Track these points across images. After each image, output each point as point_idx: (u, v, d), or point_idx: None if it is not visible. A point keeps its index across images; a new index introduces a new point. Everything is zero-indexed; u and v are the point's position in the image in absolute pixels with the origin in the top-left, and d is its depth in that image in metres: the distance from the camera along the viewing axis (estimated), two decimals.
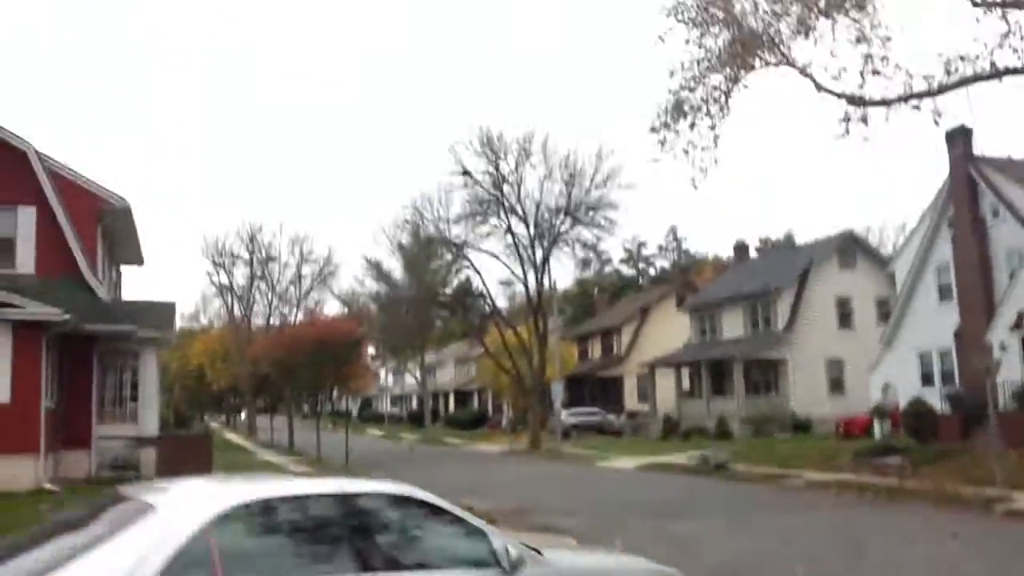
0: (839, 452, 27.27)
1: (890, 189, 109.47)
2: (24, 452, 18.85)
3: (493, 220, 47.06)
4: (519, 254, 47.73)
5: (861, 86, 20.30)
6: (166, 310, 26.42)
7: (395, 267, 54.11)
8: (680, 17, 21.03)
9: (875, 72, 20.08)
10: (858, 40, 20.33)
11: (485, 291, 52.64)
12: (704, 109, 21.19)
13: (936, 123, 19.76)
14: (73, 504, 16.24)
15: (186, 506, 4.89)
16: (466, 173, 45.50)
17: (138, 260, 31.73)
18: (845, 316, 44.27)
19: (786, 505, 19.14)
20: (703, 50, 21.16)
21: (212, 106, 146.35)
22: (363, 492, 5.44)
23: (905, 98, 20.01)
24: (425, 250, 49.72)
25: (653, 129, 21.62)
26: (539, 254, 47.41)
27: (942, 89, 19.69)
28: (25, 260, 22.75)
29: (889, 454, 24.42)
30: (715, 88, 21.20)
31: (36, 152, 22.93)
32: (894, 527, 15.47)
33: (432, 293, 51.05)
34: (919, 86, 19.74)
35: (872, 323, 42.33)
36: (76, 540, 4.82)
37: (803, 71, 21.10)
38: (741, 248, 57.64)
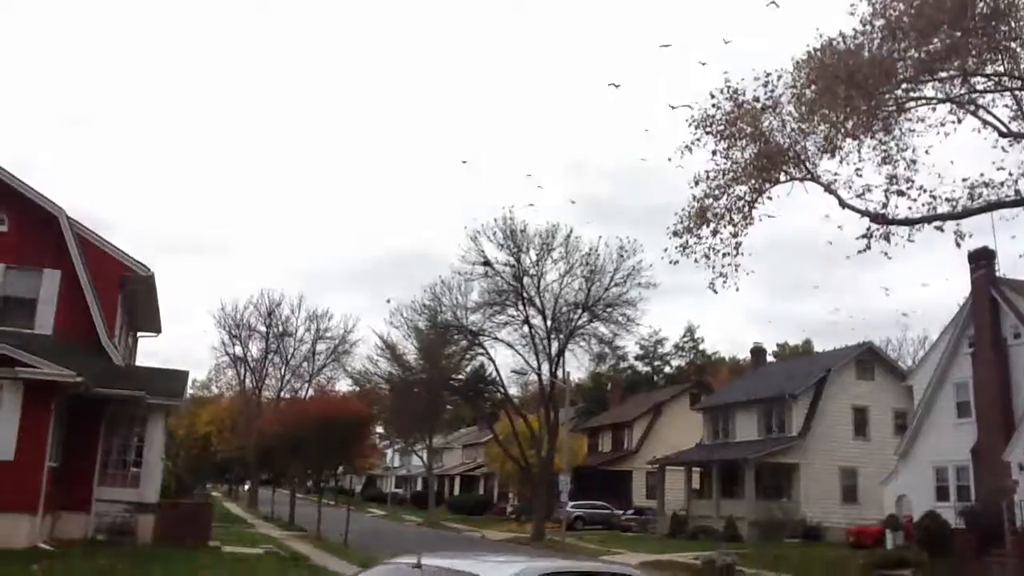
0: (850, 561, 26.66)
1: (912, 304, 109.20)
2: (22, 510, 18.70)
3: (511, 310, 47.09)
4: (535, 345, 47.63)
5: (884, 205, 20.53)
6: (178, 378, 26.47)
7: (409, 349, 54.02)
8: (708, 129, 21.42)
9: (899, 193, 20.34)
10: (883, 161, 20.64)
11: (498, 379, 52.40)
12: (727, 218, 21.37)
13: (958, 245, 19.95)
14: (67, 565, 16.05)
15: (506, 570, 6.37)
16: (487, 263, 45.78)
17: (156, 328, 31.95)
18: (861, 425, 43.77)
19: None
20: (729, 161, 21.46)
21: (240, 173, 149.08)
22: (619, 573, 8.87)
23: (928, 219, 20.19)
24: (441, 335, 49.69)
25: (676, 233, 21.81)
26: (555, 346, 47.29)
27: (966, 213, 19.89)
28: (44, 321, 22.97)
29: (901, 567, 23.85)
30: (739, 198, 21.42)
31: (67, 217, 23.34)
32: None
33: (445, 378, 50.81)
34: (942, 208, 19.96)
35: (888, 434, 41.82)
36: None
37: (828, 188, 21.35)
38: (758, 352, 57.41)
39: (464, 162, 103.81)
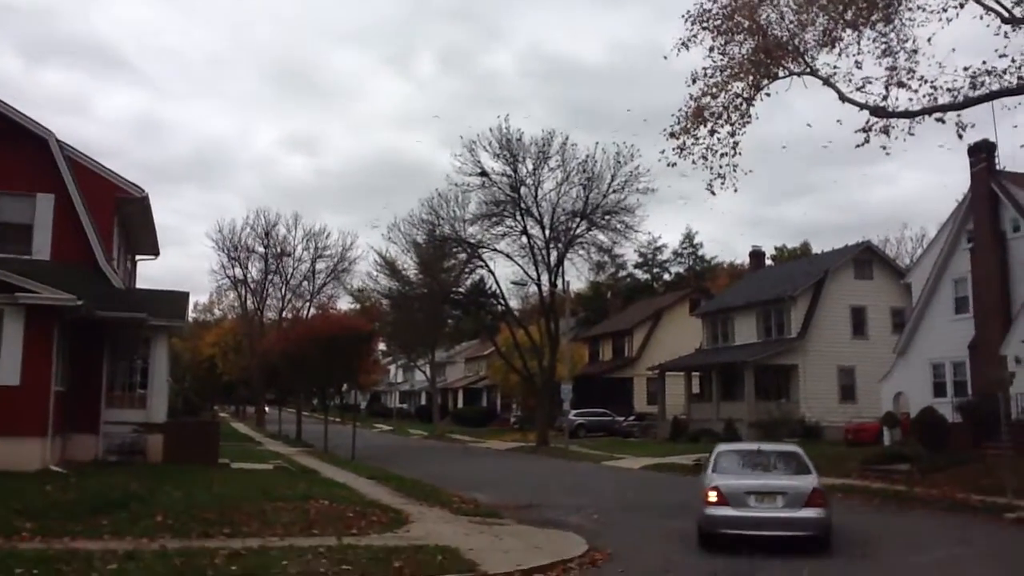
0: (848, 458, 27.12)
1: (910, 200, 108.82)
2: (32, 434, 18.95)
3: (509, 221, 47.03)
4: (534, 255, 47.69)
5: (885, 98, 20.20)
6: (179, 299, 26.48)
7: (409, 265, 54.05)
8: (705, 24, 20.97)
9: (900, 84, 19.98)
10: (884, 53, 20.24)
11: (498, 291, 52.61)
12: (725, 116, 21.10)
13: (960, 136, 19.69)
14: (80, 484, 16.36)
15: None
16: (483, 174, 45.45)
17: (153, 251, 31.86)
18: (859, 325, 44.05)
19: None
20: (726, 58, 21.09)
21: (239, 81, 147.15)
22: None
23: (929, 111, 19.89)
24: (439, 249, 49.64)
25: (672, 134, 21.52)
26: (554, 256, 47.37)
27: (967, 103, 19.57)
28: (41, 246, 22.85)
29: (898, 461, 24.30)
30: (737, 95, 21.10)
31: (57, 140, 23.05)
32: (901, 531, 15.37)
33: (445, 291, 51.01)
34: (943, 99, 19.65)
35: (886, 333, 42.09)
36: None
37: (827, 81, 21.01)
38: (757, 255, 57.47)
39: None
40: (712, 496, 13.47)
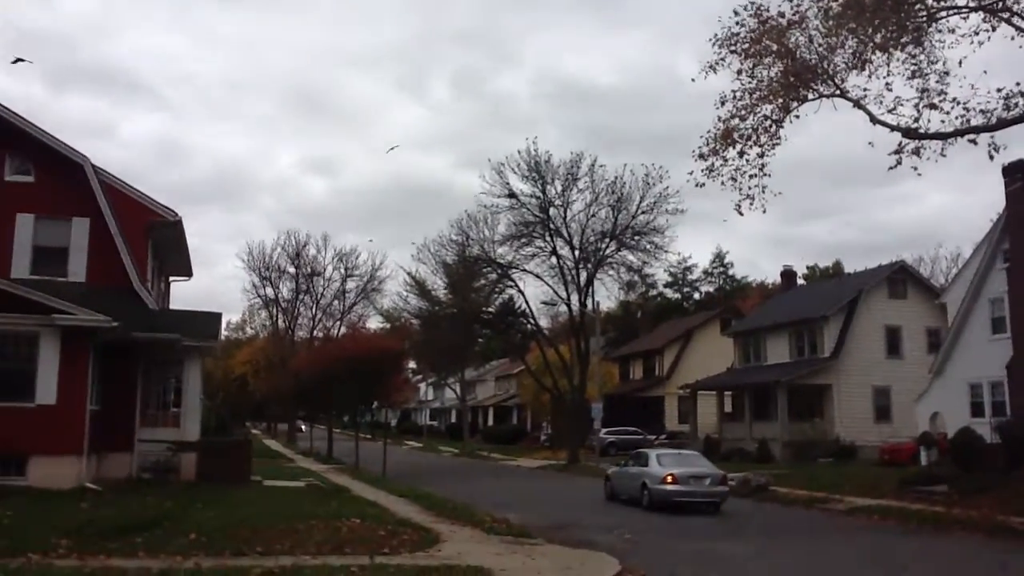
0: (883, 479, 26.75)
1: (938, 220, 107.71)
2: (68, 452, 19.18)
3: (538, 242, 47.06)
4: (563, 276, 47.66)
5: (916, 119, 20.08)
6: (211, 320, 26.76)
7: (438, 285, 54.23)
8: (733, 48, 20.95)
9: (932, 106, 19.86)
10: (914, 75, 20.14)
11: (528, 310, 52.59)
12: (754, 138, 21.07)
13: (991, 157, 19.48)
14: (115, 503, 16.52)
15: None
16: (512, 195, 45.60)
17: (186, 272, 32.25)
18: (894, 345, 43.55)
19: (827, 529, 18.78)
20: (755, 80, 21.07)
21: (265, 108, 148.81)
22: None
23: (962, 132, 19.73)
24: (469, 269, 49.77)
25: (701, 156, 21.55)
26: (583, 276, 47.30)
27: (1000, 124, 19.38)
28: (77, 269, 23.21)
29: (935, 482, 23.88)
30: (766, 117, 21.09)
31: (92, 165, 23.43)
32: (938, 555, 15.10)
33: (475, 311, 51.04)
34: (976, 120, 19.47)
35: (921, 352, 41.59)
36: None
37: (857, 103, 20.91)
38: (788, 275, 57.03)
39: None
40: (669, 479, 22.30)
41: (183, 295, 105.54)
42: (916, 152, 20.12)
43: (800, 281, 61.97)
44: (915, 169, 20.07)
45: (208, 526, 14.06)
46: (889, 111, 20.49)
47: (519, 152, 45.50)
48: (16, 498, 16.48)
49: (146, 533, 13.15)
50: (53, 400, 19.39)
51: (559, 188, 45.49)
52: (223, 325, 36.38)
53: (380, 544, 13.47)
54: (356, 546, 13.13)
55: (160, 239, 26.44)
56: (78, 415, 19.57)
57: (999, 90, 19.03)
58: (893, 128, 20.43)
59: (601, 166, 46.24)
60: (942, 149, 20.10)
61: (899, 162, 20.13)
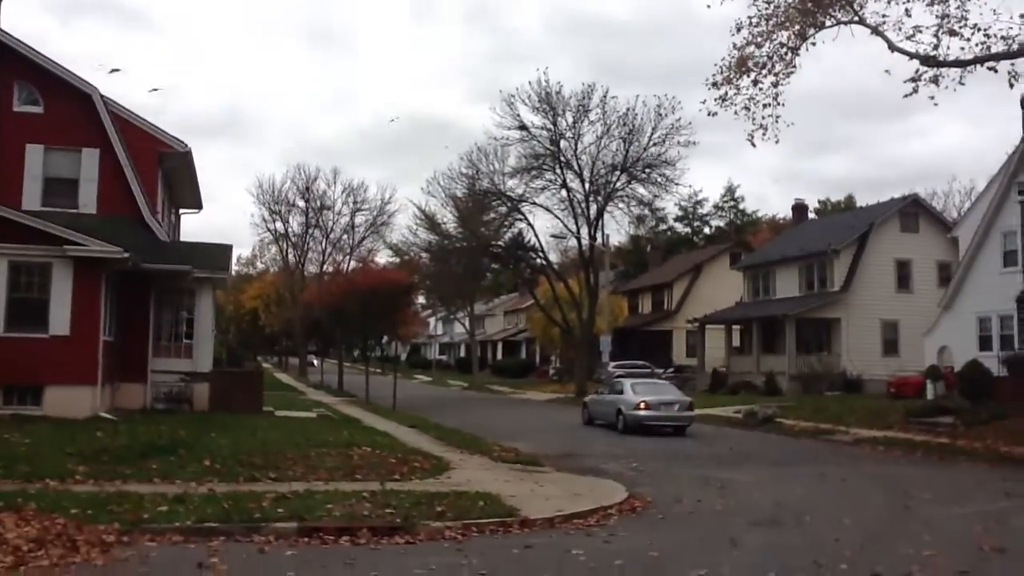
0: (890, 410, 26.95)
1: (950, 153, 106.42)
2: (83, 382, 19.44)
3: (548, 175, 46.78)
4: (573, 209, 47.46)
5: (935, 47, 19.71)
6: (222, 252, 26.83)
7: (448, 218, 54.14)
8: None
9: (952, 32, 19.46)
10: (932, 1, 19.72)
11: (537, 244, 52.55)
12: (768, 66, 20.81)
13: (1011, 85, 19.20)
14: (129, 431, 16.81)
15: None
16: (523, 127, 45.20)
17: (196, 204, 32.28)
18: (904, 279, 43.45)
19: (833, 458, 18.98)
20: (771, 5, 20.73)
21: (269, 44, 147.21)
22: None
23: (981, 60, 19.37)
24: (479, 203, 49.61)
25: (715, 84, 21.33)
26: (593, 210, 47.08)
27: (1022, 51, 19.02)
28: (87, 200, 23.22)
29: (942, 414, 24.07)
30: (782, 45, 20.80)
31: (101, 96, 23.28)
32: (942, 482, 15.26)
33: (484, 245, 51.01)
34: (997, 47, 19.12)
35: (932, 287, 41.47)
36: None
37: (875, 30, 20.54)
38: (800, 208, 56.65)
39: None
40: (642, 405, 24.58)
41: (193, 229, 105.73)
42: (934, 80, 19.82)
43: (812, 215, 61.59)
44: (932, 99, 19.81)
45: (222, 453, 14.31)
46: (907, 38, 20.15)
47: (530, 84, 45.31)
48: (33, 426, 16.77)
49: (161, 459, 13.41)
50: (67, 331, 19.59)
51: (570, 120, 45.09)
52: (234, 259, 36.56)
53: (391, 471, 13.69)
54: (367, 472, 13.36)
55: (170, 170, 26.42)
56: (92, 345, 19.77)
57: (1022, 15, 18.67)
58: (911, 56, 20.09)
59: (613, 97, 46.03)
60: (960, 77, 19.80)
61: (915, 90, 19.85)
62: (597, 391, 30.01)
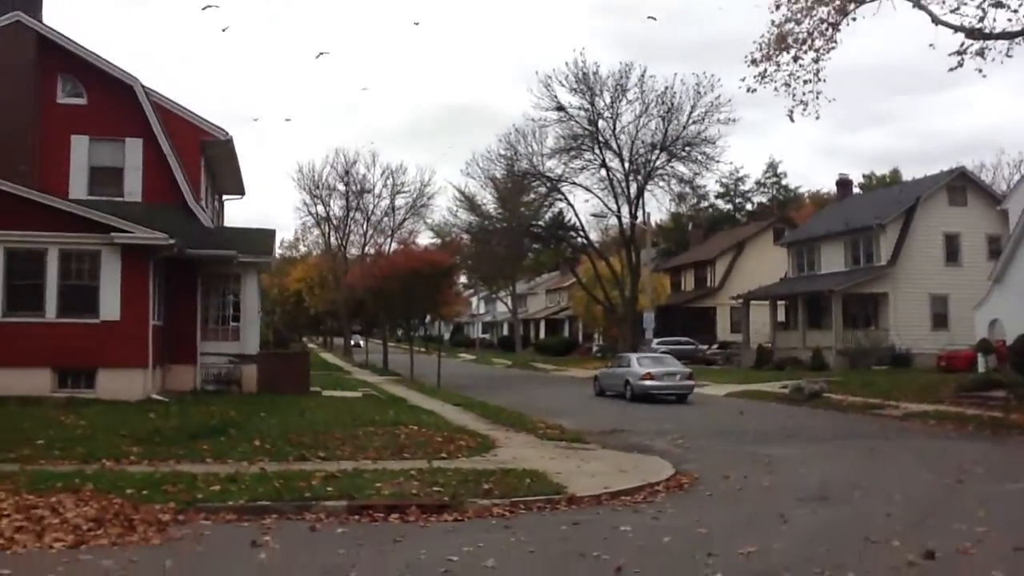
0: (940, 385, 26.57)
1: (1007, 127, 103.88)
2: (134, 365, 19.82)
3: (587, 155, 46.54)
4: (613, 188, 47.23)
5: (981, 19, 19.30)
6: (266, 236, 27.20)
7: (487, 199, 54.18)
8: None
9: (997, 4, 19.05)
10: None
11: (578, 223, 52.43)
12: (809, 42, 20.57)
13: None
14: (181, 411, 17.13)
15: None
16: (561, 108, 45.01)
17: (239, 191, 32.67)
18: (952, 252, 42.71)
19: (882, 434, 18.74)
20: None
21: (304, 33, 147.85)
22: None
23: None
24: (518, 183, 49.58)
25: (754, 62, 21.16)
26: (633, 188, 46.81)
27: None
28: (133, 189, 23.65)
29: (993, 388, 23.65)
30: (822, 20, 20.54)
31: (142, 86, 23.62)
32: (995, 457, 15.02)
33: (525, 225, 50.99)
34: None
35: (981, 260, 40.67)
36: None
37: (918, 3, 20.16)
38: (844, 183, 55.69)
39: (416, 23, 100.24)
40: (646, 375, 27.33)
41: (235, 213, 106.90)
42: (980, 53, 19.43)
43: (856, 190, 60.63)
44: (979, 71, 19.46)
45: (271, 433, 14.53)
46: (952, 11, 19.74)
47: (567, 64, 44.87)
48: (87, 409, 17.15)
49: (212, 440, 13.65)
50: (117, 316, 19.96)
51: (608, 100, 44.80)
52: (277, 242, 36.95)
53: (438, 449, 13.80)
54: (414, 451, 13.48)
55: (212, 158, 26.75)
56: (142, 329, 20.13)
57: None
58: (956, 28, 19.69)
59: (651, 77, 45.56)
60: (1008, 49, 19.39)
61: (961, 63, 19.49)
62: (607, 365, 32.93)
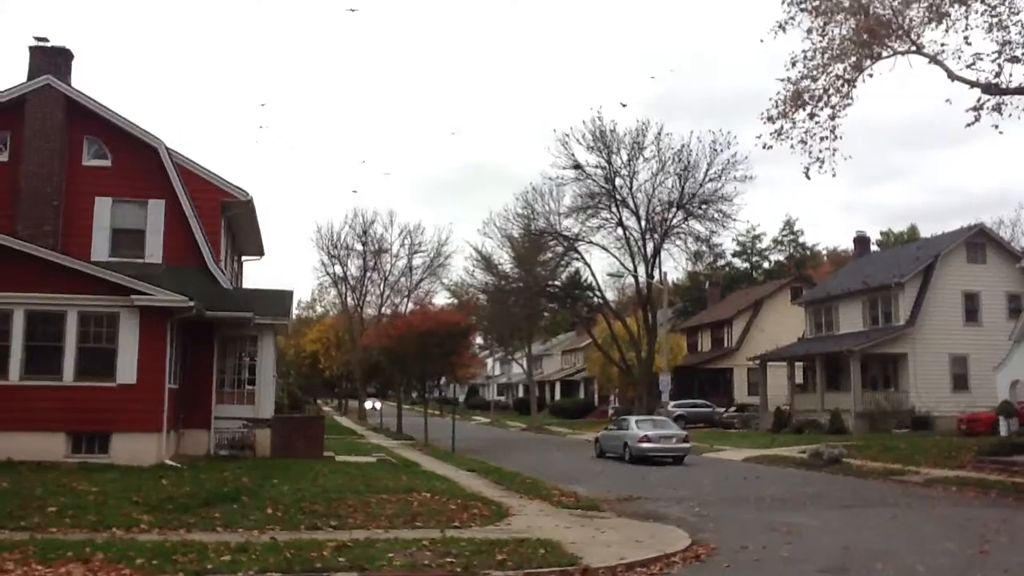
0: (961, 449, 26.14)
1: (1014, 180, 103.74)
2: (149, 430, 19.78)
3: (604, 213, 46.94)
4: (630, 247, 47.48)
5: (997, 74, 19.44)
6: (283, 298, 27.25)
7: (504, 259, 54.52)
8: (803, 5, 20.54)
9: (1013, 59, 19.20)
10: (993, 27, 19.48)
11: (594, 283, 52.54)
12: (824, 99, 20.71)
13: None
14: (195, 478, 17.04)
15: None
16: (578, 167, 45.49)
17: (259, 251, 32.91)
18: (972, 311, 42.35)
19: (903, 500, 18.41)
20: (826, 39, 20.67)
21: (328, 96, 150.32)
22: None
23: None
24: (535, 242, 49.88)
25: (770, 119, 21.26)
26: (650, 247, 47.03)
27: None
28: (154, 250, 23.90)
29: (1015, 452, 23.26)
30: (838, 77, 20.70)
31: (166, 148, 24.02)
32: (1020, 526, 14.70)
33: (541, 285, 51.16)
34: None
35: (1001, 319, 40.34)
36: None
37: (934, 59, 20.32)
38: (862, 241, 55.63)
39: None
40: (644, 438, 28.22)
41: (255, 274, 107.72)
42: (997, 108, 19.51)
43: (874, 247, 60.52)
44: (996, 127, 19.47)
45: (283, 500, 14.41)
46: (968, 66, 19.89)
47: (583, 122, 45.55)
48: (100, 475, 17.07)
49: (224, 507, 13.54)
50: (134, 379, 19.96)
51: (625, 158, 45.30)
52: (294, 303, 37.07)
53: (451, 518, 13.64)
54: (427, 519, 13.33)
55: (233, 219, 27.02)
56: (158, 394, 20.13)
57: None
58: (972, 84, 19.81)
59: (667, 134, 46.09)
60: None
61: (978, 119, 19.56)
62: (606, 427, 34.18)
